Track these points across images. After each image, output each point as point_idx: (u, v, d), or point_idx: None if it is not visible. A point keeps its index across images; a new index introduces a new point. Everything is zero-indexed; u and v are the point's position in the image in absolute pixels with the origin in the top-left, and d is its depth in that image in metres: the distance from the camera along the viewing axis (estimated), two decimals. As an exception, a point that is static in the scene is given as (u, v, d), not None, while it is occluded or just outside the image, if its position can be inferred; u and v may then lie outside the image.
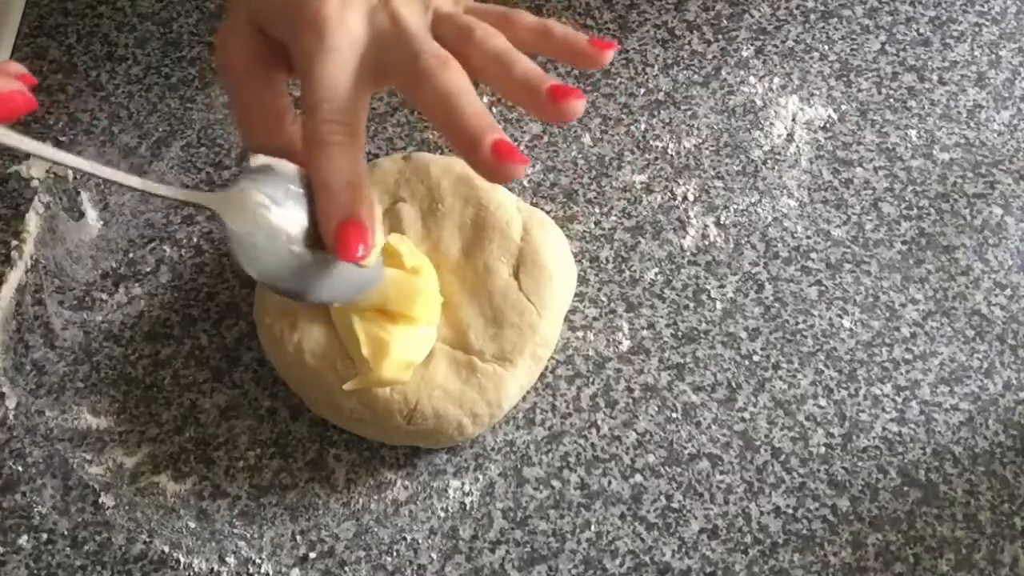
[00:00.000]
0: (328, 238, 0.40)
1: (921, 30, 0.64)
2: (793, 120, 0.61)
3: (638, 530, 0.50)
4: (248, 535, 0.50)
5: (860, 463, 0.51)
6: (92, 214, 0.58)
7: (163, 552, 0.49)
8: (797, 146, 0.60)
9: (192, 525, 0.50)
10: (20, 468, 0.51)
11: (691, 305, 0.55)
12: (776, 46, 0.64)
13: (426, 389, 0.49)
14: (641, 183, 0.59)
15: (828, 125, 0.61)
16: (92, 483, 0.51)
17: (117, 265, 0.57)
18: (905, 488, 0.50)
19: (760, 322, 0.55)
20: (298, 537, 0.50)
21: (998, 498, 0.50)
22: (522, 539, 0.49)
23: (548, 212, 0.57)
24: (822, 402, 0.53)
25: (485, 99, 0.61)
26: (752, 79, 0.62)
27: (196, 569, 0.49)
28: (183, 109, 0.62)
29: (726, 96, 0.62)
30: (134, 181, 0.40)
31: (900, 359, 0.54)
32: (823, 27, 0.64)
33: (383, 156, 0.57)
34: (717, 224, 0.58)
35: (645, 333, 0.54)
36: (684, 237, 0.57)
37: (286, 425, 0.52)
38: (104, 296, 0.56)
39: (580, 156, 0.60)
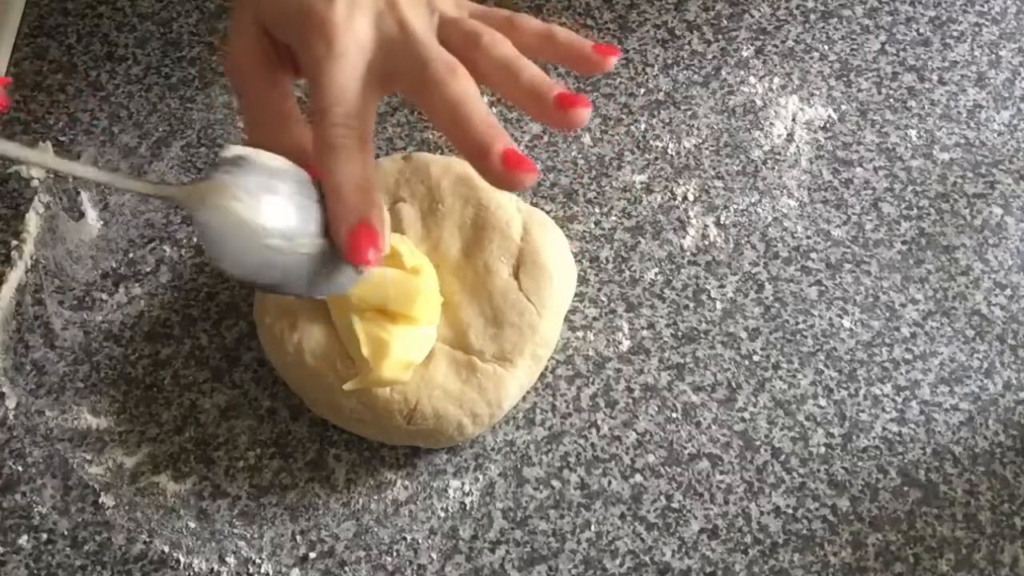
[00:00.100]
0: (339, 241, 0.40)
1: (921, 30, 0.64)
2: (793, 120, 0.61)
3: (638, 530, 0.50)
4: (248, 535, 0.50)
5: (860, 463, 0.51)
6: (92, 214, 0.58)
7: (163, 552, 0.49)
8: (797, 146, 0.60)
9: (192, 525, 0.50)
10: (20, 468, 0.51)
11: (691, 305, 0.55)
12: (776, 46, 0.64)
13: (426, 389, 0.49)
14: (641, 183, 0.59)
15: (828, 125, 0.61)
16: (92, 483, 0.51)
17: (117, 265, 0.57)
18: (905, 488, 0.50)
19: (760, 322, 0.55)
20: (298, 537, 0.50)
21: (998, 498, 0.50)
22: (522, 539, 0.49)
23: (548, 212, 0.57)
24: (822, 402, 0.53)
25: (485, 98, 0.61)
26: (752, 79, 0.62)
27: (196, 569, 0.49)
28: (183, 109, 0.62)
29: (726, 96, 0.62)
30: (94, 173, 0.39)
31: (900, 359, 0.54)
32: (823, 27, 0.64)
33: (383, 156, 0.57)
34: (717, 224, 0.58)
35: (645, 333, 0.54)
36: (684, 237, 0.57)
37: (286, 425, 0.52)
38: (104, 296, 0.56)
39: (580, 156, 0.60)
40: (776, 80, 0.62)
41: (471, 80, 0.41)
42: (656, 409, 0.52)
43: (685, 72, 0.63)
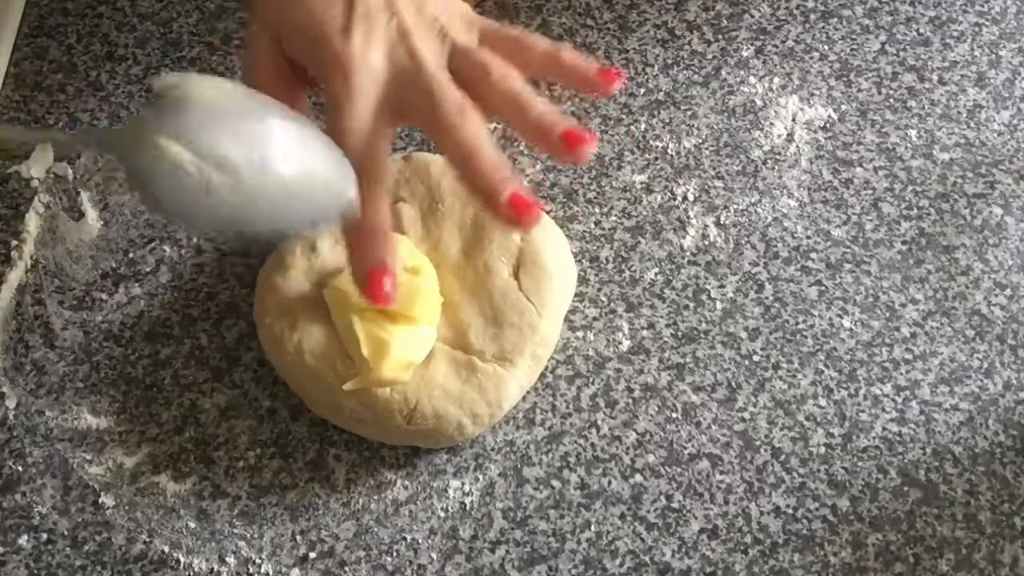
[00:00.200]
0: (357, 282, 0.43)
1: (921, 30, 0.64)
2: (793, 120, 0.61)
3: (638, 530, 0.50)
4: (248, 535, 0.50)
5: (860, 463, 0.51)
6: (92, 214, 0.58)
7: (163, 552, 0.49)
8: (797, 146, 0.60)
9: (192, 525, 0.50)
10: (20, 468, 0.51)
11: (691, 305, 0.55)
12: (776, 46, 0.64)
13: (426, 389, 0.49)
14: (641, 183, 0.59)
15: (828, 125, 0.61)
16: (92, 483, 0.51)
17: (117, 265, 0.57)
18: (905, 488, 0.50)
19: (760, 322, 0.55)
20: (298, 537, 0.50)
21: (998, 498, 0.50)
22: (522, 539, 0.49)
23: (548, 212, 0.57)
24: (822, 402, 0.53)
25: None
26: (752, 79, 0.62)
27: (196, 569, 0.49)
28: (183, 109, 0.62)
29: (726, 96, 0.62)
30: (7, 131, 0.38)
31: (900, 359, 0.54)
32: (823, 27, 0.64)
33: (383, 156, 0.57)
34: (717, 224, 0.58)
35: (645, 333, 0.54)
36: (684, 237, 0.57)
37: (286, 425, 0.52)
38: (104, 296, 0.56)
39: (580, 156, 0.60)
40: (776, 80, 0.62)
41: (481, 122, 0.42)
42: (656, 409, 0.52)
43: (685, 72, 0.63)
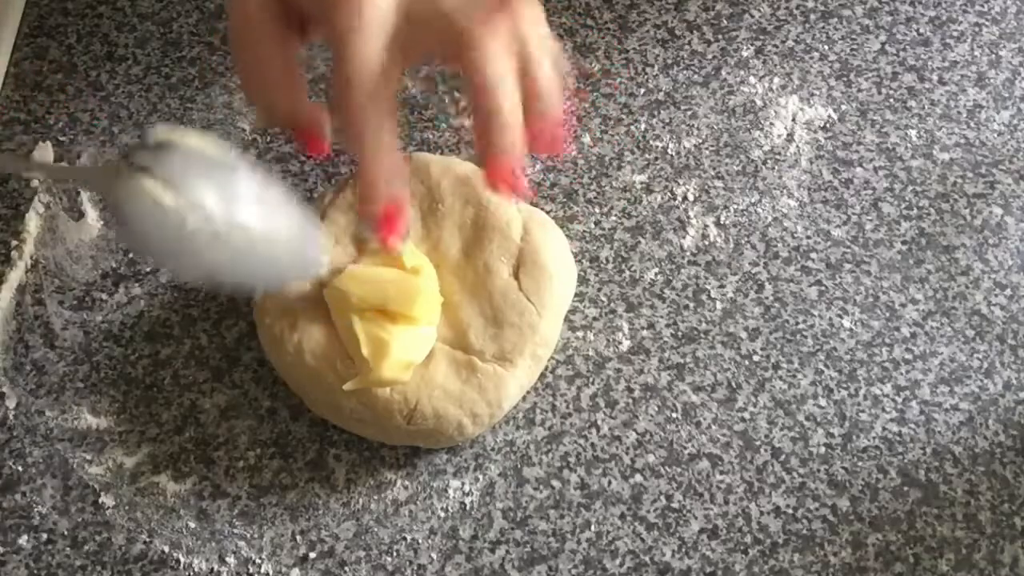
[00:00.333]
0: (368, 222, 0.41)
1: (921, 30, 0.64)
2: (793, 120, 0.61)
3: (638, 530, 0.50)
4: (248, 535, 0.50)
5: (860, 463, 0.51)
6: (92, 214, 0.58)
7: (163, 552, 0.49)
8: (797, 146, 0.60)
9: (192, 525, 0.50)
10: (20, 468, 0.51)
11: (691, 305, 0.55)
12: (776, 46, 0.64)
13: (426, 389, 0.49)
14: (641, 183, 0.59)
15: (828, 125, 0.61)
16: (92, 483, 0.51)
17: (117, 265, 0.57)
18: (905, 488, 0.50)
19: (760, 322, 0.55)
20: (298, 537, 0.50)
21: (998, 498, 0.50)
22: (522, 539, 0.49)
23: (548, 212, 0.57)
24: (822, 402, 0.53)
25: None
26: (752, 79, 0.62)
27: (196, 569, 0.49)
28: (183, 109, 0.62)
29: (726, 96, 0.62)
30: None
31: (900, 359, 0.54)
32: (823, 27, 0.64)
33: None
34: (717, 224, 0.58)
35: (645, 333, 0.54)
36: (684, 237, 0.57)
37: (286, 425, 0.52)
38: (104, 296, 0.56)
39: (580, 156, 0.60)
40: (776, 80, 0.62)
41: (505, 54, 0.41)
42: (656, 409, 0.52)
43: (685, 72, 0.63)
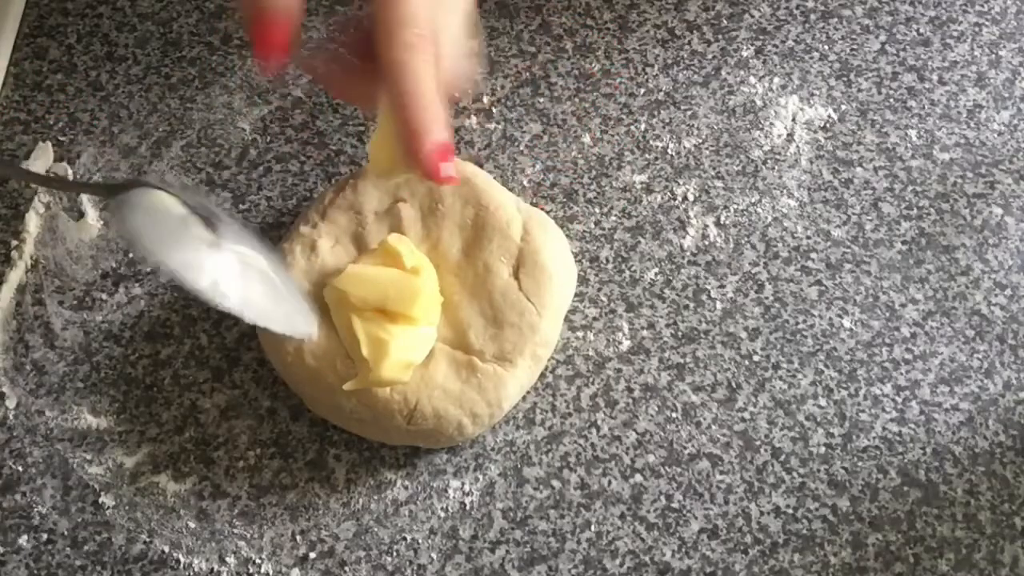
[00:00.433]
0: (417, 157, 0.40)
1: (921, 30, 0.64)
2: (793, 120, 0.61)
3: (638, 530, 0.50)
4: (248, 535, 0.50)
5: (860, 463, 0.51)
6: (92, 214, 0.58)
7: (163, 552, 0.49)
8: (797, 146, 0.60)
9: (192, 525, 0.50)
10: (20, 468, 0.51)
11: (691, 305, 0.55)
12: (776, 46, 0.64)
13: (426, 389, 0.49)
14: (641, 183, 0.59)
15: (828, 125, 0.61)
16: (92, 483, 0.51)
17: (117, 265, 0.57)
18: (905, 488, 0.50)
19: (760, 322, 0.55)
20: (298, 537, 0.50)
21: (998, 498, 0.50)
22: (522, 539, 0.49)
23: (548, 212, 0.57)
24: (822, 402, 0.53)
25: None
26: (752, 79, 0.62)
27: (196, 569, 0.49)
28: (183, 109, 0.62)
29: (726, 96, 0.62)
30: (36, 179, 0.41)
31: (900, 359, 0.54)
32: (823, 27, 0.64)
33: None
34: (717, 224, 0.58)
35: (645, 333, 0.54)
36: (684, 237, 0.57)
37: (286, 425, 0.52)
38: (104, 296, 0.56)
39: (580, 156, 0.60)
40: (776, 80, 0.62)
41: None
42: (656, 409, 0.52)
43: (685, 72, 0.63)
